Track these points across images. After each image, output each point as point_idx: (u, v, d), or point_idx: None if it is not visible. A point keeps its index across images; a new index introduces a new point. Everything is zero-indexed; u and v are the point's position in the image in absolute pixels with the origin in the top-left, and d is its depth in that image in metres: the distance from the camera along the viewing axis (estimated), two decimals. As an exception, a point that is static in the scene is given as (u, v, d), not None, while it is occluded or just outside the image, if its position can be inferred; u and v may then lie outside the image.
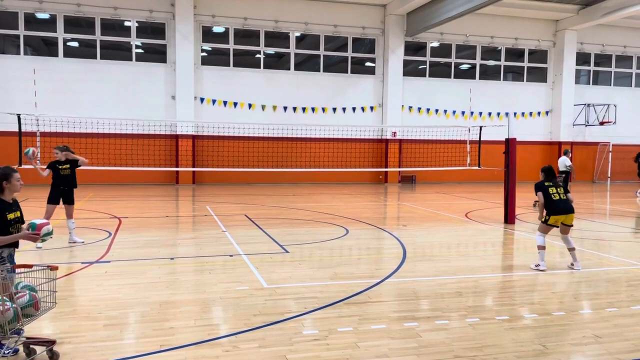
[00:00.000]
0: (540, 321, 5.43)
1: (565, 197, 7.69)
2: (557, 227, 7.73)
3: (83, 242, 9.19)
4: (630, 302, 6.15)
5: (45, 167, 9.51)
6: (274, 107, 22.85)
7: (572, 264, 7.72)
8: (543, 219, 7.76)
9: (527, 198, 16.79)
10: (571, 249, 7.74)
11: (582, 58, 27.02)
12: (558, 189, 7.70)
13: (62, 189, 9.27)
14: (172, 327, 5.10)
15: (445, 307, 5.84)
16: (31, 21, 20.52)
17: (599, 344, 4.82)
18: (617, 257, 8.67)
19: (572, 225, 7.76)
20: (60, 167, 9.30)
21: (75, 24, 21.01)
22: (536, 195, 7.79)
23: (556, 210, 7.61)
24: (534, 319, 5.51)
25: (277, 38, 23.21)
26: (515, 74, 26.75)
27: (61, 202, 9.30)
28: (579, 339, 4.94)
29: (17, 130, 11.13)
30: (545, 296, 6.38)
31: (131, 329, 5.13)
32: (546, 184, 7.75)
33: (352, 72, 24.04)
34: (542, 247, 7.68)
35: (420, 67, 25.16)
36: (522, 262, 8.36)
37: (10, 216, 4.59)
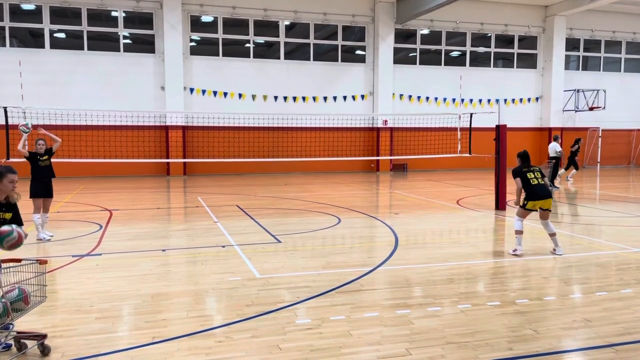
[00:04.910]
0: (531, 306, 5.47)
1: (543, 182, 7.75)
2: (536, 211, 7.79)
3: (52, 236, 8.98)
4: (619, 286, 6.21)
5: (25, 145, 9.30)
6: (265, 97, 22.73)
7: (554, 250, 7.76)
8: (521, 204, 7.83)
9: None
10: (552, 234, 7.77)
11: (572, 44, 27.06)
12: (535, 174, 7.77)
13: (46, 181, 9.06)
14: (164, 319, 5.09)
15: (437, 294, 5.87)
16: (17, 12, 20.21)
17: (589, 328, 4.87)
18: (606, 242, 8.74)
19: (550, 210, 7.80)
20: (40, 159, 9.10)
21: (61, 14, 20.72)
22: (514, 180, 7.82)
23: (534, 194, 7.67)
24: (525, 304, 5.55)
25: (267, 27, 23.02)
26: (505, 61, 26.75)
27: None
28: (570, 323, 4.99)
29: (3, 123, 11.00)
30: (536, 281, 6.43)
31: (123, 322, 5.11)
32: (524, 169, 7.80)
33: (342, 61, 23.93)
34: (519, 232, 7.76)
35: (411, 54, 25.09)
36: (514, 248, 8.41)
37: None
